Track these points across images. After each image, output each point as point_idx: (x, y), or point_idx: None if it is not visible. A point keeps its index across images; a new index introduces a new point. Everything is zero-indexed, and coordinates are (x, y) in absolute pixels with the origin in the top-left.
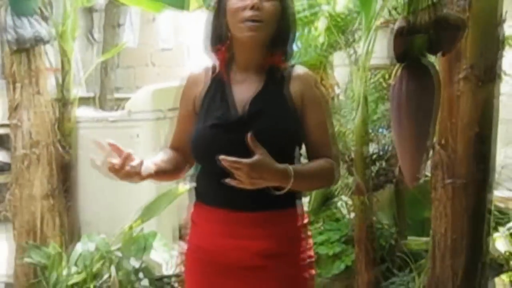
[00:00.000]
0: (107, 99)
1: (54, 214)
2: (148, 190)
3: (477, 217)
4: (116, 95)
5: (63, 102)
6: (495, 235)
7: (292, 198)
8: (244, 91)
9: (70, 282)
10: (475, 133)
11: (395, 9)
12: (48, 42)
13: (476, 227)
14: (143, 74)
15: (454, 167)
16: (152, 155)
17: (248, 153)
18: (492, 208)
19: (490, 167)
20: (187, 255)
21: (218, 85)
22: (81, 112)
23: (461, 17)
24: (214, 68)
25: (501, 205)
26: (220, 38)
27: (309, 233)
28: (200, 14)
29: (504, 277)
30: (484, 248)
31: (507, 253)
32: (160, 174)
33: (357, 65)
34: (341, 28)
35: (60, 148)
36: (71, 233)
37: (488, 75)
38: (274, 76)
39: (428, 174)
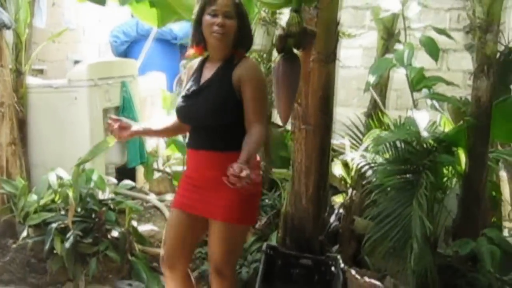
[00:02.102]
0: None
1: (16, 158)
2: (83, 140)
3: (322, 151)
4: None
5: (17, 73)
6: (333, 164)
7: (234, 146)
8: (208, 73)
9: (41, 203)
10: (320, 96)
11: (265, 11)
12: (10, 27)
13: (321, 157)
14: (45, 49)
15: (307, 117)
16: (87, 114)
17: (197, 114)
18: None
19: (330, 118)
20: (180, 181)
21: (198, 70)
22: (31, 80)
23: (314, 29)
24: (197, 49)
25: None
26: (199, 40)
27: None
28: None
29: (336, 197)
30: (326, 172)
31: (340, 176)
32: (148, 132)
33: None
34: None
35: (17, 107)
36: (27, 172)
37: (329, 58)
38: (228, 63)
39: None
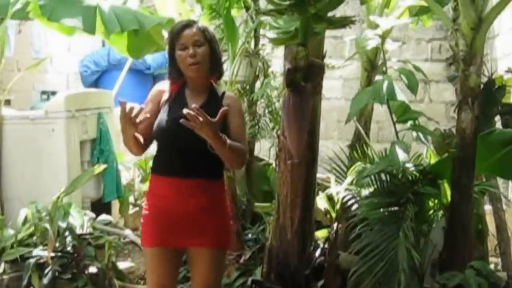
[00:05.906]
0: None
1: None
2: (59, 174)
3: (307, 184)
4: None
5: None
6: (317, 198)
7: (220, 173)
8: (194, 100)
9: (18, 237)
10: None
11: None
12: None
13: (307, 191)
14: (10, 79)
15: None
16: (65, 146)
17: (194, 136)
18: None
19: (315, 151)
20: (146, 215)
21: (179, 96)
22: (6, 112)
23: (321, 62)
24: (174, 84)
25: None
26: (177, 74)
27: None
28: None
29: (320, 232)
30: (311, 205)
31: (325, 209)
32: (136, 139)
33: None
34: None
35: None
36: (1, 206)
37: (315, 91)
38: (212, 94)
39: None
